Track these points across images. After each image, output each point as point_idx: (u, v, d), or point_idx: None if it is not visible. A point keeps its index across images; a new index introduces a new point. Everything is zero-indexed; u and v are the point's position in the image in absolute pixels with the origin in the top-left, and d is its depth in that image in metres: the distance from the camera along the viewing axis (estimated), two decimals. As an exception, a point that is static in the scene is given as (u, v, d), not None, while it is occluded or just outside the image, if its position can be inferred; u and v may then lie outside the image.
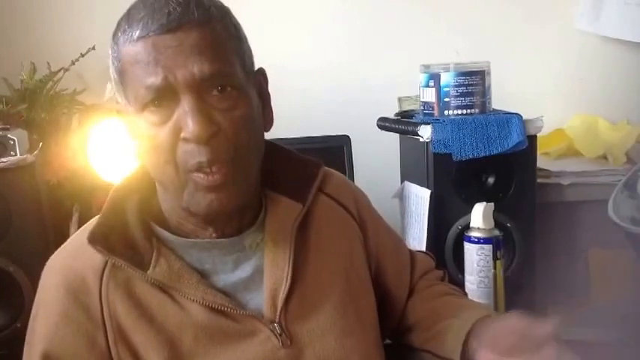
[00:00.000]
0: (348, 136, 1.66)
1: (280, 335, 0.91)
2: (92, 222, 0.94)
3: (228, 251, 0.94)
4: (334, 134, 1.64)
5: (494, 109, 1.55)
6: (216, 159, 0.84)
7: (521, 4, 1.92)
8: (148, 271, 0.89)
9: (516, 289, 1.47)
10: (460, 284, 1.39)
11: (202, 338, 0.89)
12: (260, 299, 0.93)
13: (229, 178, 0.86)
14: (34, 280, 1.35)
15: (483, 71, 1.51)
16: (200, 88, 0.84)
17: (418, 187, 1.52)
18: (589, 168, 1.68)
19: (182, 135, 0.84)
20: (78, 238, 0.94)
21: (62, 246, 0.96)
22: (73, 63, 1.65)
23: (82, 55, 1.66)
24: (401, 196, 1.60)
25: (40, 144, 1.46)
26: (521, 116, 1.50)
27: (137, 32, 0.84)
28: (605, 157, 1.75)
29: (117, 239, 0.90)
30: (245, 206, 0.93)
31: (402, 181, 1.61)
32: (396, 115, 1.63)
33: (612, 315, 1.54)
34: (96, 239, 0.90)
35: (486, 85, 1.51)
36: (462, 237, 1.42)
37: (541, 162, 1.61)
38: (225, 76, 0.85)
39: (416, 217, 1.53)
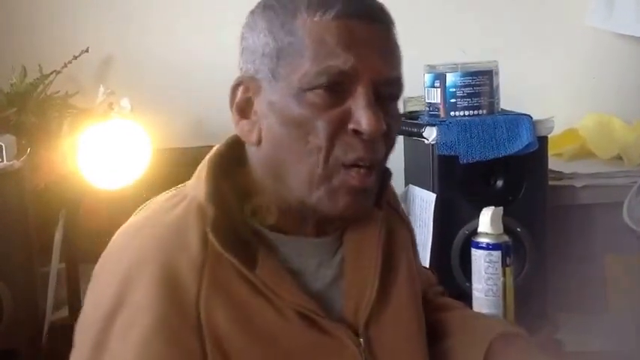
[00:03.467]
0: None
1: (364, 352, 0.86)
2: (177, 198, 0.84)
3: (316, 253, 0.88)
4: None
5: (503, 110, 1.53)
6: (375, 159, 0.83)
7: (530, 1, 1.90)
8: (256, 271, 0.81)
9: (527, 297, 1.42)
10: (467, 292, 1.36)
11: (295, 350, 0.82)
12: (339, 307, 0.87)
13: (374, 185, 0.85)
14: (15, 292, 1.33)
15: (491, 71, 1.48)
16: (379, 87, 0.82)
17: (423, 190, 1.49)
18: (603, 169, 1.65)
19: (351, 126, 0.81)
20: (164, 219, 0.82)
21: (141, 224, 0.84)
22: (65, 65, 1.63)
23: (75, 58, 1.63)
24: (405, 200, 1.56)
25: (28, 149, 1.42)
26: (531, 117, 1.47)
27: (333, 11, 0.81)
28: (620, 158, 1.73)
29: (228, 230, 0.81)
30: None
31: (405, 185, 1.59)
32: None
33: (629, 324, 1.51)
34: (216, 230, 0.80)
35: (494, 85, 1.49)
36: (469, 243, 1.36)
37: (553, 163, 1.59)
38: (400, 88, 0.86)
39: (420, 222, 1.50)
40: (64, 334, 1.42)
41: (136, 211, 0.89)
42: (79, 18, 1.77)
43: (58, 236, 1.40)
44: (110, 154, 1.41)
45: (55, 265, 1.41)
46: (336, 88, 0.81)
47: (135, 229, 0.84)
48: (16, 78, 1.60)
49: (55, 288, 1.41)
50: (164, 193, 0.89)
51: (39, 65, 1.62)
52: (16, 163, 1.36)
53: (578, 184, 1.61)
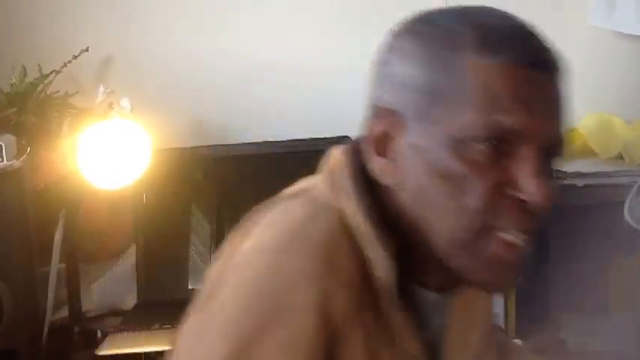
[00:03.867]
0: (349, 138, 1.60)
1: None
2: (314, 207, 0.75)
3: (432, 307, 0.81)
4: (334, 135, 1.59)
5: (503, 109, 1.51)
6: (530, 231, 0.72)
7: (530, 1, 1.84)
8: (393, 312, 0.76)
9: (528, 297, 1.44)
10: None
11: None
12: (440, 356, 0.83)
13: (526, 254, 0.75)
14: (15, 292, 1.32)
15: (492, 70, 1.47)
16: (547, 150, 0.72)
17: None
18: (604, 169, 1.64)
19: (515, 194, 0.71)
20: (315, 237, 0.72)
21: (290, 237, 0.73)
22: (65, 65, 1.61)
23: (75, 57, 1.62)
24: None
25: (28, 149, 1.42)
26: (531, 116, 1.46)
27: (506, 55, 0.71)
28: (621, 157, 1.72)
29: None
30: None
31: (406, 185, 1.57)
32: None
33: (631, 324, 1.50)
34: (386, 271, 0.73)
35: (495, 84, 1.48)
36: (470, 243, 1.37)
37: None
38: (564, 147, 0.75)
39: (421, 222, 1.48)
40: (64, 334, 1.42)
41: (258, 209, 0.78)
42: (79, 18, 1.76)
43: (58, 236, 1.39)
44: (110, 154, 1.41)
45: (55, 265, 1.41)
46: (499, 146, 0.71)
47: (284, 244, 0.73)
48: (16, 78, 1.59)
49: (55, 288, 1.40)
50: (287, 196, 0.80)
51: (39, 65, 1.61)
52: (16, 163, 1.36)
53: (579, 183, 1.60)
